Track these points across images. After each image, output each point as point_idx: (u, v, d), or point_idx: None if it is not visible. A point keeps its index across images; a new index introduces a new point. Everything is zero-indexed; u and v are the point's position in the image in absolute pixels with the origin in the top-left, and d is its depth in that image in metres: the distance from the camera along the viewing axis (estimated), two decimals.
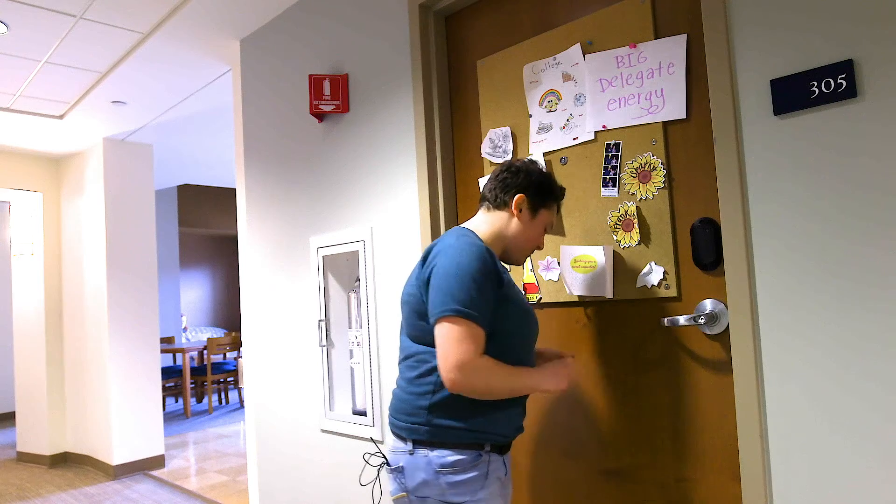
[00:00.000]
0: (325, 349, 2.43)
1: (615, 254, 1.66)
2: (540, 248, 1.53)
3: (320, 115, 2.48)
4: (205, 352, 7.56)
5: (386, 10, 2.26)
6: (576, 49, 1.75)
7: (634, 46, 1.62)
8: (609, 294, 1.64)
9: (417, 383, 1.33)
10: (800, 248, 1.29)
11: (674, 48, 1.55)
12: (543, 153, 1.82)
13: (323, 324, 2.43)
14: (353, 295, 2.38)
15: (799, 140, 1.29)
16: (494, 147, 1.95)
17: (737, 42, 1.38)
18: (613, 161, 1.66)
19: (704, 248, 1.48)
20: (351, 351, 2.40)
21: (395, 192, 2.21)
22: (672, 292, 1.55)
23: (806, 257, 1.29)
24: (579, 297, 1.73)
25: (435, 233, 2.08)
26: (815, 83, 1.26)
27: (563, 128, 1.77)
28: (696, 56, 1.52)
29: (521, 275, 1.88)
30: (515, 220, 1.46)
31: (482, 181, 1.98)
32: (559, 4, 1.82)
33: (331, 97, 2.41)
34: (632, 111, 1.62)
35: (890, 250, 1.19)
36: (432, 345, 1.32)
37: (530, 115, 1.86)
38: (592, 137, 1.71)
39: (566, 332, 1.78)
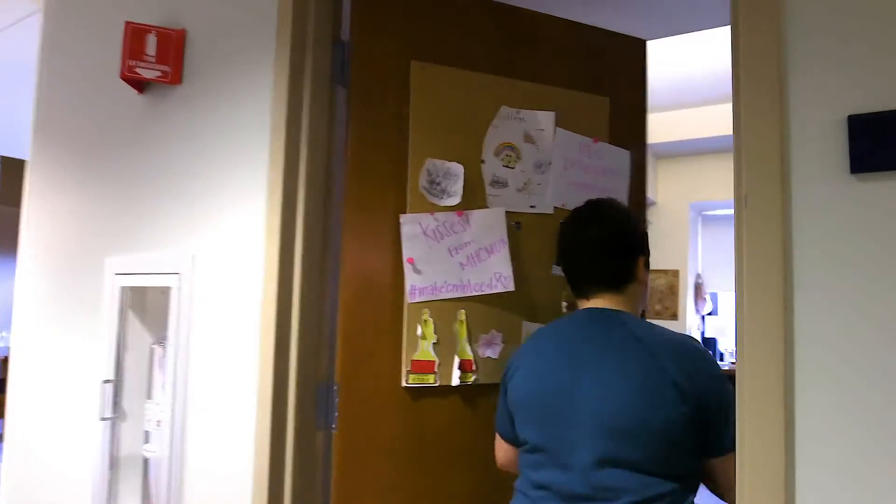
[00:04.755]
0: (109, 425, 1.67)
1: None
2: None
3: (139, 83, 1.73)
4: None
5: None
6: (548, 116, 1.68)
7: (596, 141, 1.72)
8: None
9: None
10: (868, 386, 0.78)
11: (621, 159, 1.74)
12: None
13: (110, 387, 1.67)
14: (158, 349, 1.65)
15: (889, 216, 0.79)
16: (431, 182, 1.56)
17: (794, 57, 0.86)
18: None
19: None
20: (147, 433, 1.67)
21: (235, 209, 1.52)
22: None
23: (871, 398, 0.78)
24: None
25: (286, 275, 1.41)
26: None
27: (520, 191, 1.65)
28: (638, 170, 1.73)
29: (455, 348, 1.55)
30: (641, 285, 1.30)
31: (407, 218, 1.53)
32: (521, 54, 1.69)
33: (157, 59, 1.67)
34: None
35: None
36: (679, 478, 1.09)
37: (482, 161, 1.63)
38: (551, 212, 1.67)
39: None
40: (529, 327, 1.61)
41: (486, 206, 1.61)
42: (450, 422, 1.55)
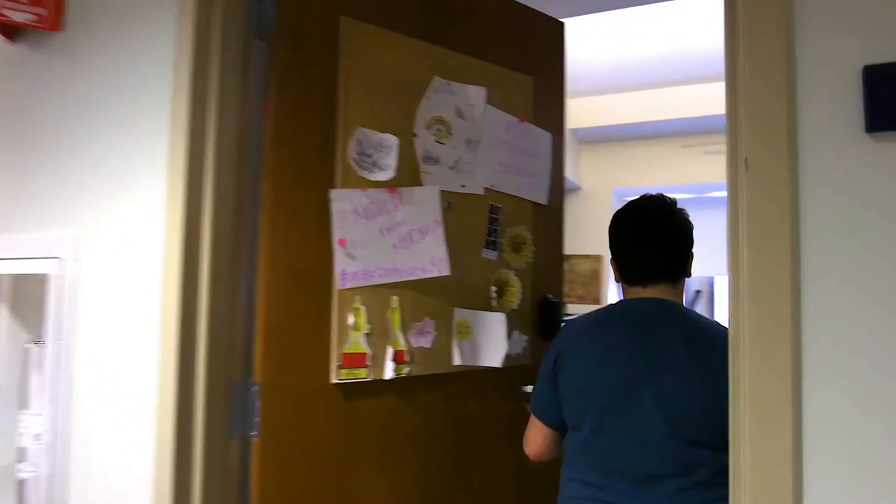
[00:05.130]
0: None
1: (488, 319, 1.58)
2: None
3: (8, 28, 1.44)
4: None
5: None
6: (478, 91, 1.60)
7: (522, 122, 1.69)
8: (499, 363, 1.57)
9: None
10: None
11: (543, 141, 1.73)
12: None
13: None
14: (34, 349, 1.39)
15: None
16: (361, 154, 1.41)
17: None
18: (495, 224, 1.64)
19: (544, 324, 1.70)
20: (22, 449, 1.40)
21: (130, 182, 1.29)
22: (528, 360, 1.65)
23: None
24: (459, 366, 1.55)
25: (191, 258, 1.19)
26: None
27: (451, 168, 1.57)
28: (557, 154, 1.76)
29: (388, 339, 1.43)
30: (686, 278, 1.35)
31: (337, 195, 1.37)
32: (453, 23, 1.60)
33: (30, 0, 1.39)
34: (514, 181, 1.67)
35: None
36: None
37: (415, 135, 1.50)
38: (481, 192, 1.62)
39: (437, 408, 1.52)
40: (461, 314, 1.55)
41: (419, 184, 1.47)
42: (384, 419, 1.45)
